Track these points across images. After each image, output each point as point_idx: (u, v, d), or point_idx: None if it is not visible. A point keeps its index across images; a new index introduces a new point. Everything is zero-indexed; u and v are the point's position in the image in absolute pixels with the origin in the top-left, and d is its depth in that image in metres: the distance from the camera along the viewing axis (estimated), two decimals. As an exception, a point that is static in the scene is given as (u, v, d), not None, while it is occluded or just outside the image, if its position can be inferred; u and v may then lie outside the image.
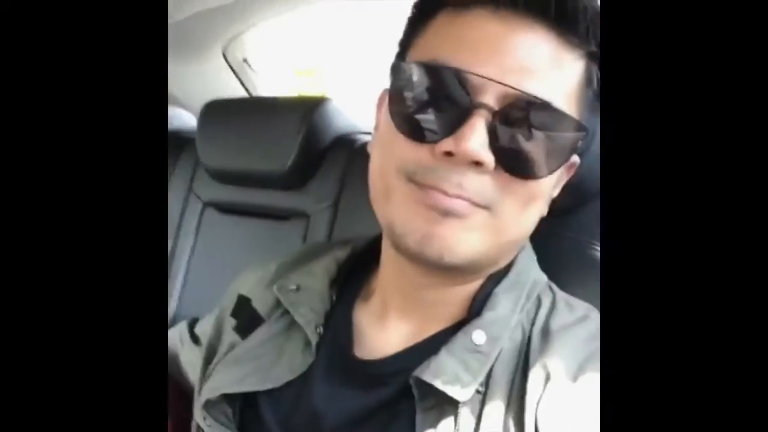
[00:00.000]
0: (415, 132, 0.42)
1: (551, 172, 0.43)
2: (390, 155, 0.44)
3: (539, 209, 0.46)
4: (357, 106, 0.91)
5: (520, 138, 0.41)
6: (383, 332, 0.51)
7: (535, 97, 0.40)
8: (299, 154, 0.83)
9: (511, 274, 0.49)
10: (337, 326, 0.53)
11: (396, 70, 0.44)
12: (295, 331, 0.55)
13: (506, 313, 0.46)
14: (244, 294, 0.63)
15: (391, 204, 0.44)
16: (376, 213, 0.46)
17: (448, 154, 0.40)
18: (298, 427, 0.50)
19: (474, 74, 0.40)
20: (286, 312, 0.56)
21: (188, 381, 0.70)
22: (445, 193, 0.41)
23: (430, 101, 0.41)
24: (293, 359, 0.53)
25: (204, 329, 0.72)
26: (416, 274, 0.47)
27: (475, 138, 0.39)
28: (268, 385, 0.51)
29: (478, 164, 0.40)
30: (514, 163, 0.41)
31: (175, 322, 0.91)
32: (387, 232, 0.46)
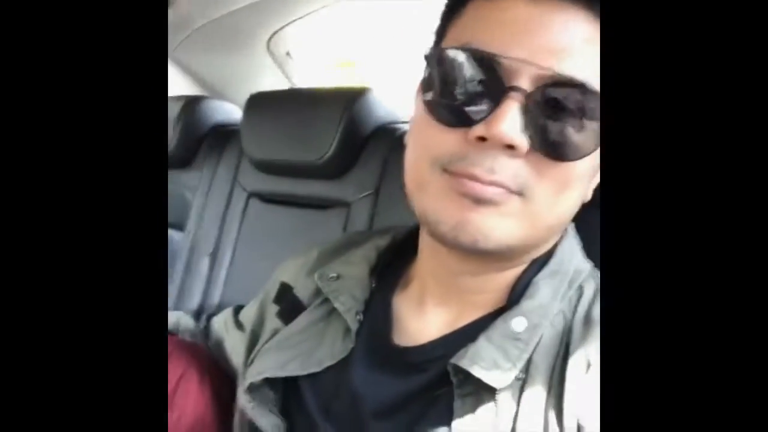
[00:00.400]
0: (448, 118, 0.42)
1: (586, 154, 0.41)
2: (424, 145, 0.44)
3: (577, 194, 0.44)
4: (397, 99, 0.91)
5: (554, 120, 0.40)
6: (422, 319, 0.51)
7: (568, 77, 0.39)
8: (339, 143, 0.83)
9: (552, 262, 0.48)
10: (377, 313, 0.54)
11: (428, 57, 0.44)
12: (335, 318, 0.56)
13: (546, 301, 0.46)
14: (287, 281, 0.64)
15: (425, 194, 0.44)
16: (411, 203, 0.46)
17: (481, 139, 0.40)
18: (338, 412, 0.51)
19: (506, 57, 0.39)
20: (327, 299, 0.57)
21: (232, 366, 0.71)
22: (479, 180, 0.40)
23: (463, 86, 0.41)
24: (334, 345, 0.53)
25: (248, 316, 0.73)
26: (453, 260, 0.47)
27: (508, 121, 0.39)
28: (310, 370, 0.52)
29: (511, 148, 0.40)
30: (547, 145, 0.40)
31: (220, 310, 0.94)
32: (422, 220, 0.46)
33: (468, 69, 0.40)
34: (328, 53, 1.78)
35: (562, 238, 0.50)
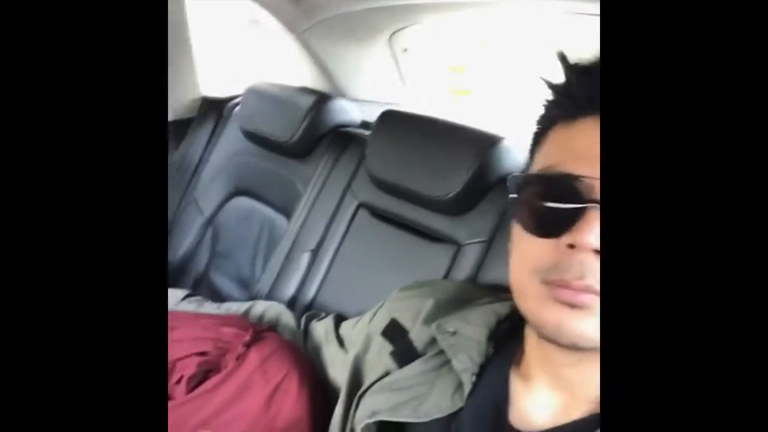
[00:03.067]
0: (540, 229, 0.49)
1: None
2: (522, 256, 0.51)
3: None
4: (500, 103, 0.91)
5: None
6: (532, 402, 0.54)
7: None
8: (467, 186, 0.85)
9: None
10: (492, 383, 0.56)
11: (517, 181, 0.52)
12: (446, 372, 0.60)
13: None
14: (401, 323, 0.68)
15: (526, 301, 0.50)
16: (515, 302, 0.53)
17: (571, 246, 0.46)
18: None
19: (584, 177, 0.46)
20: (441, 352, 0.61)
21: (328, 376, 0.77)
22: (572, 287, 0.46)
23: (551, 203, 0.48)
24: (442, 398, 0.57)
25: (349, 335, 0.78)
26: (556, 354, 0.51)
27: (592, 229, 0.45)
28: (420, 419, 0.56)
29: (596, 252, 0.46)
30: None
31: (311, 308, 0.99)
32: (526, 318, 0.52)
33: (553, 189, 0.48)
34: (441, 55, 1.81)
35: None
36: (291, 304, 1.00)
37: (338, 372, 0.75)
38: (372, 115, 1.19)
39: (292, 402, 0.71)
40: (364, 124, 1.19)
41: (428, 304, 0.68)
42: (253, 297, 1.07)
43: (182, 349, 0.74)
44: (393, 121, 0.98)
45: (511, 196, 0.52)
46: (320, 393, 0.75)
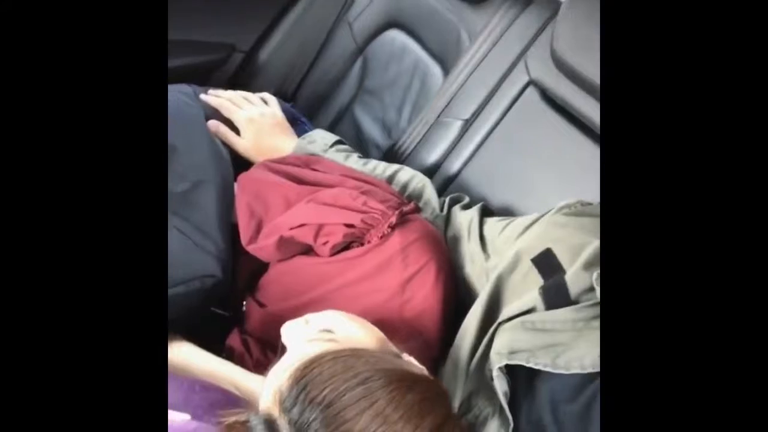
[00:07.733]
0: None
1: None
2: None
3: None
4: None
5: None
6: None
7: None
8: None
9: None
10: None
11: None
12: (596, 327, 0.58)
13: None
14: (557, 257, 0.64)
15: None
16: None
17: None
18: (565, 419, 0.56)
19: None
20: (597, 303, 0.58)
21: (463, 271, 0.77)
22: None
23: None
24: (585, 354, 0.56)
25: (493, 239, 0.76)
26: None
27: None
28: (558, 370, 0.56)
29: None
30: None
31: (453, 182, 0.95)
32: None
33: None
34: None
35: None
36: (432, 171, 0.97)
37: (476, 273, 0.75)
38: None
39: (425, 293, 0.73)
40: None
41: (592, 245, 0.63)
42: (394, 147, 1.05)
43: (331, 215, 0.75)
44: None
45: None
46: (454, 289, 0.76)
